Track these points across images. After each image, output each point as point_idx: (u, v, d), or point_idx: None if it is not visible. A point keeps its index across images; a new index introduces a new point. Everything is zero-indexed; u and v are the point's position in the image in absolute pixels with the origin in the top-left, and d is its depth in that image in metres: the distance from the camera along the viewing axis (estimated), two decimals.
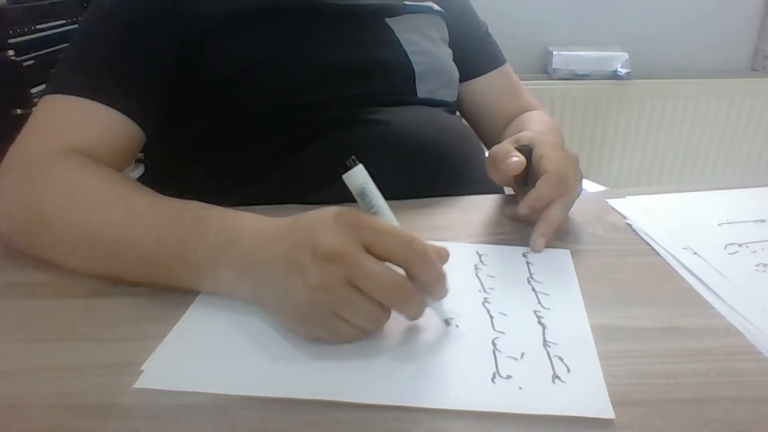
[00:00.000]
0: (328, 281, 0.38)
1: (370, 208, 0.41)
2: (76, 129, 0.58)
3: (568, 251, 0.54)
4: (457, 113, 0.87)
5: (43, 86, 0.62)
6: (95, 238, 0.49)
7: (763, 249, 0.55)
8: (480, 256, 0.54)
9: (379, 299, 0.39)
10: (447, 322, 0.43)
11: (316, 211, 0.42)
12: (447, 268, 0.50)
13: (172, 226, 0.47)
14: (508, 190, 0.66)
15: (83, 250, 0.50)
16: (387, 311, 0.40)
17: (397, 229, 0.40)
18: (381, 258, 0.39)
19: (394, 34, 0.75)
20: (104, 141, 0.59)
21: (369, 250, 0.39)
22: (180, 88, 0.67)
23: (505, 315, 0.45)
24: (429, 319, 0.44)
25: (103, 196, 0.51)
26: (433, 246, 0.41)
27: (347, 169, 0.41)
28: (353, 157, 0.41)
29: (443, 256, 0.42)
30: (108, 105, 0.59)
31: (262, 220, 0.45)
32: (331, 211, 0.40)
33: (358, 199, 0.41)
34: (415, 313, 0.41)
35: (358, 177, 0.41)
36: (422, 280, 0.40)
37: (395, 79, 0.74)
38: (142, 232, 0.47)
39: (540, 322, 0.44)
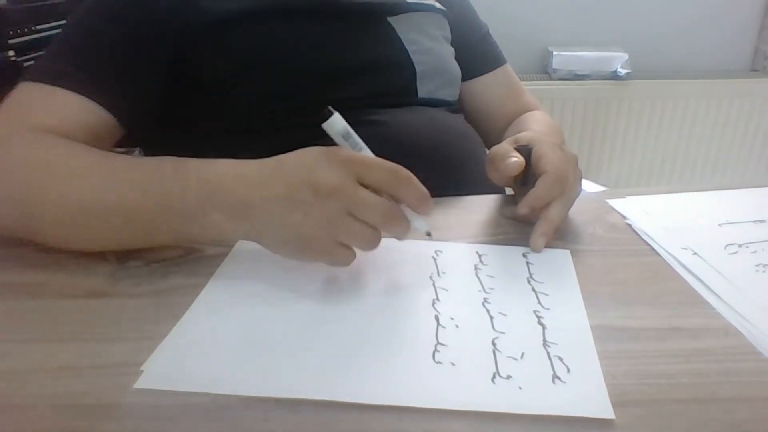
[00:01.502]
0: (331, 214, 0.43)
1: (355, 146, 0.47)
2: (46, 114, 0.58)
3: (568, 251, 0.55)
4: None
5: None
6: (79, 205, 0.50)
7: (763, 249, 0.55)
8: (480, 256, 0.54)
9: (375, 224, 0.44)
10: (428, 234, 0.50)
11: (299, 151, 0.46)
12: (447, 268, 0.51)
13: (155, 179, 0.49)
14: (509, 190, 0.66)
15: (67, 219, 0.50)
16: (380, 233, 0.45)
17: (383, 162, 0.45)
18: (372, 189, 0.44)
19: (395, 32, 0.75)
20: (73, 128, 0.58)
21: (361, 183, 0.44)
22: (178, 87, 0.67)
23: (505, 315, 0.45)
24: (429, 319, 0.44)
25: (83, 162, 0.52)
26: None
27: (325, 119, 0.45)
28: (329, 107, 0.46)
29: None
30: (81, 94, 0.59)
31: (240, 164, 0.48)
32: (318, 149, 0.45)
33: (342, 141, 0.46)
34: (403, 233, 0.47)
35: (339, 122, 0.46)
36: (409, 201, 0.46)
37: (396, 79, 0.74)
38: (127, 189, 0.49)
39: (540, 322, 0.44)
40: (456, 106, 0.84)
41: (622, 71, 1.82)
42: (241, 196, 0.46)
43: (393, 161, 0.68)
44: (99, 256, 0.52)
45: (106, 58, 0.62)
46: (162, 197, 0.48)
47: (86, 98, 0.59)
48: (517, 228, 0.59)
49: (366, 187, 0.44)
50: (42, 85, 0.59)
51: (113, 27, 0.63)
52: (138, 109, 0.65)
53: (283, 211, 0.44)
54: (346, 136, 0.47)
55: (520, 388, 0.37)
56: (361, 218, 0.44)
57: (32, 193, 0.51)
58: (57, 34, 0.65)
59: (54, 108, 0.59)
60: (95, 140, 0.61)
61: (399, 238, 0.47)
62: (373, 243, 0.46)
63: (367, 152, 0.48)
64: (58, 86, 0.59)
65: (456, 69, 0.82)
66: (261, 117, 0.68)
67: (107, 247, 0.51)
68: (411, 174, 0.45)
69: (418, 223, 0.49)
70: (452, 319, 0.44)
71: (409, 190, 0.45)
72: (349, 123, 0.68)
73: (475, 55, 0.88)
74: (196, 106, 0.69)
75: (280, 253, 0.47)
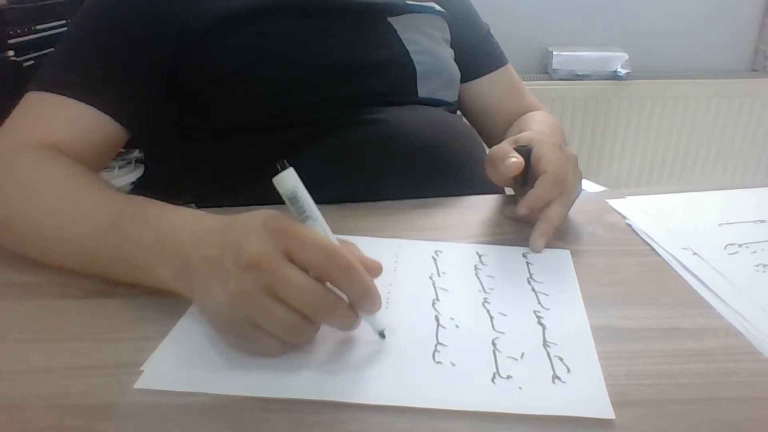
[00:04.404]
0: (246, 289, 0.37)
1: (301, 214, 0.39)
2: (51, 125, 0.58)
3: (568, 251, 0.54)
4: (458, 113, 0.87)
5: None
6: (48, 236, 0.50)
7: (763, 249, 0.55)
8: (480, 256, 0.54)
9: (299, 310, 0.37)
10: (381, 335, 0.41)
11: (250, 213, 0.40)
12: (447, 268, 0.51)
13: (113, 226, 0.47)
14: (510, 190, 0.66)
15: (42, 247, 0.51)
16: (311, 322, 0.38)
17: (322, 241, 0.38)
18: (302, 268, 0.37)
19: (396, 33, 0.75)
20: (80, 139, 0.59)
21: (291, 259, 0.37)
22: (178, 86, 0.67)
23: (505, 315, 0.45)
24: (429, 320, 0.44)
25: (57, 193, 0.52)
26: (366, 259, 0.40)
27: (277, 172, 0.38)
28: (284, 160, 0.39)
29: (375, 269, 0.41)
30: (88, 103, 0.60)
31: (199, 218, 0.45)
32: (261, 214, 0.39)
33: (288, 204, 0.39)
34: (344, 325, 0.39)
35: (289, 181, 0.39)
36: (347, 294, 0.38)
37: (396, 79, 0.74)
38: (85, 232, 0.49)
39: (540, 323, 0.44)
40: (455, 107, 0.84)
41: (622, 71, 1.82)
42: (185, 252, 0.42)
43: (394, 160, 0.69)
44: None
45: (107, 65, 0.63)
46: (115, 249, 0.47)
47: (92, 107, 0.60)
48: (517, 228, 0.59)
49: (298, 266, 0.37)
50: (48, 94, 0.59)
51: (112, 32, 0.64)
52: (142, 113, 0.65)
53: (208, 274, 0.39)
54: (292, 200, 0.39)
55: (520, 388, 0.37)
56: (284, 300, 0.37)
57: (14, 218, 0.52)
58: (60, 39, 0.65)
59: (60, 120, 0.59)
60: (101, 148, 0.61)
61: (344, 330, 0.40)
62: (297, 333, 0.38)
63: (315, 224, 0.40)
64: (64, 96, 0.59)
65: (455, 70, 0.82)
66: (261, 115, 0.68)
67: (80, 274, 0.50)
68: (352, 261, 0.37)
69: (369, 317, 0.40)
70: (452, 319, 0.44)
71: (348, 279, 0.37)
72: (350, 121, 0.69)
73: (477, 55, 0.88)
74: (195, 104, 0.69)
75: (211, 327, 0.41)
